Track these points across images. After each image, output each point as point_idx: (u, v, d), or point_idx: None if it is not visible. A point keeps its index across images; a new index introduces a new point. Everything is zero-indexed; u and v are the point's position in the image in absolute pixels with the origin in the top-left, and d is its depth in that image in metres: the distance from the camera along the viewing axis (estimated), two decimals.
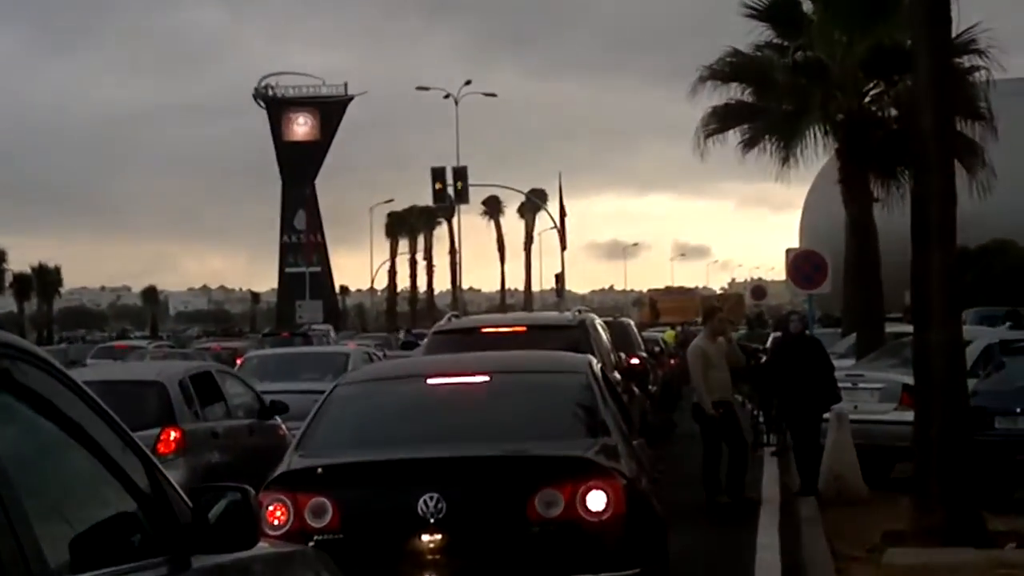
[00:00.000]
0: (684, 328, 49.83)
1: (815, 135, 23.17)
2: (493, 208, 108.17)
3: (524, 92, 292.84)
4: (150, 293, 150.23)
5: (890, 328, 22.74)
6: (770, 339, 32.16)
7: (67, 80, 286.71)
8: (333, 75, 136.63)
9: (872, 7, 22.44)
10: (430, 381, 8.16)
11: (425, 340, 15.82)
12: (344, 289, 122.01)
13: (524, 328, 13.70)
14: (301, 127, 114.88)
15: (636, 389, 16.75)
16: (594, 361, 8.71)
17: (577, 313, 14.57)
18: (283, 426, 13.84)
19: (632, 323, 24.91)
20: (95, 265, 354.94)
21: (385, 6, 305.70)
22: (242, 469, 11.52)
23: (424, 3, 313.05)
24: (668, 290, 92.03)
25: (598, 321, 15.19)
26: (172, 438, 11.44)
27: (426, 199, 67.42)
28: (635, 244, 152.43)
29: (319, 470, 6.95)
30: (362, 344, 33.88)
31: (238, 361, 23.46)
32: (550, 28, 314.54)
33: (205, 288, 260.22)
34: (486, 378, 8.13)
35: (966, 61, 22.08)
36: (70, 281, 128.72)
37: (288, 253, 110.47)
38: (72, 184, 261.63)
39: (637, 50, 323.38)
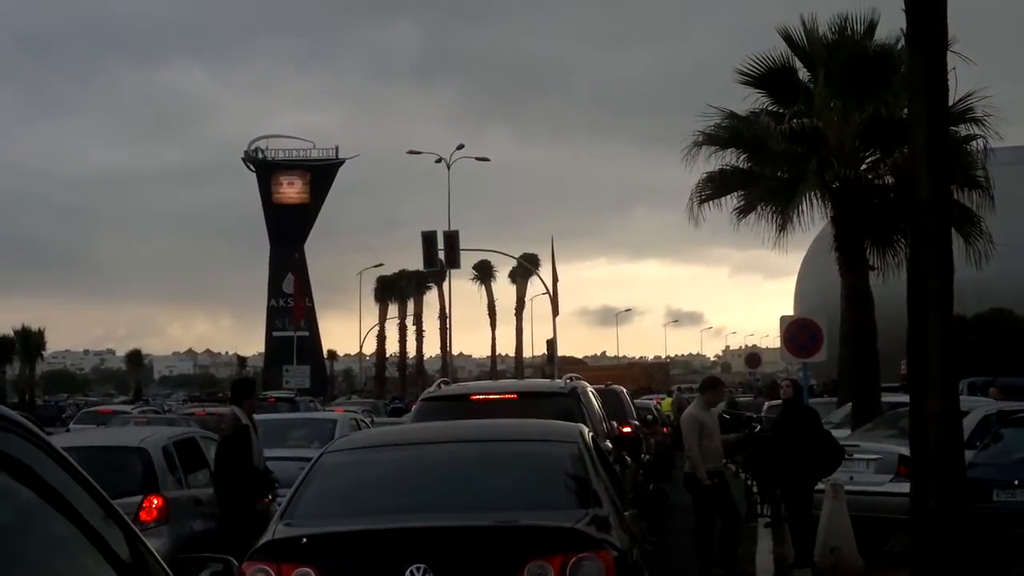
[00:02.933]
0: (680, 396, 49.74)
1: (811, 202, 23.28)
2: (484, 273, 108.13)
3: (516, 156, 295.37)
4: (134, 357, 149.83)
5: (886, 398, 22.72)
6: (764, 407, 32.20)
7: (53, 143, 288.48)
8: (322, 138, 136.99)
9: (869, 77, 22.63)
10: (419, 449, 8.13)
11: (414, 407, 15.77)
12: (332, 354, 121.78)
13: (515, 395, 13.65)
14: (291, 190, 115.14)
15: (628, 458, 16.69)
16: (585, 430, 8.69)
17: (569, 381, 14.53)
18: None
19: (624, 391, 24.85)
20: (79, 328, 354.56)
21: (373, 69, 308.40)
22: (226, 538, 11.45)
23: (413, 67, 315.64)
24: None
25: (590, 389, 15.16)
26: (155, 506, 11.37)
27: (416, 263, 67.57)
28: (627, 310, 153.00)
29: (304, 540, 6.89)
30: (349, 410, 33.72)
31: None
32: (542, 92, 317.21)
33: (191, 352, 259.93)
34: (475, 447, 8.10)
35: (963, 129, 22.26)
36: (53, 344, 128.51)
37: (276, 317, 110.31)
38: (58, 247, 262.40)
39: (630, 114, 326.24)
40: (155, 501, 11.39)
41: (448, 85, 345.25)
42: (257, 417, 24.67)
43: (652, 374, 79.56)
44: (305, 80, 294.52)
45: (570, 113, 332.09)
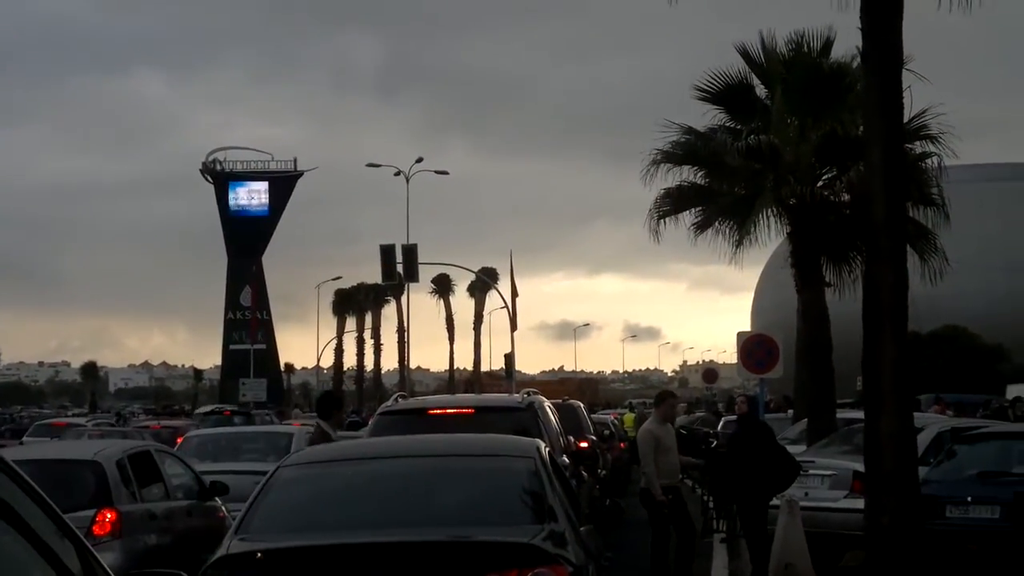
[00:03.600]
0: (641, 411, 49.91)
1: (768, 219, 23.38)
2: (443, 287, 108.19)
3: (476, 170, 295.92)
4: (90, 369, 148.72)
5: (842, 414, 22.83)
6: (721, 423, 32.32)
7: (6, 153, 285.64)
8: (281, 150, 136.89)
9: (825, 94, 22.78)
10: (376, 464, 8.10)
11: (371, 421, 15.72)
12: (289, 367, 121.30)
13: (472, 410, 13.62)
14: (249, 202, 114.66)
15: (585, 473, 16.69)
16: (542, 445, 8.68)
17: (526, 396, 14.53)
18: (223, 508, 13.68)
19: (581, 405, 24.86)
20: (33, 340, 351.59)
21: (334, 83, 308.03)
22: (180, 553, 11.36)
23: (374, 81, 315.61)
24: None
25: (547, 404, 15.15)
26: (108, 520, 11.26)
27: (375, 276, 67.37)
28: (586, 325, 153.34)
29: (259, 555, 6.85)
30: (306, 424, 33.59)
31: (178, 440, 23.19)
32: (501, 108, 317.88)
33: (147, 364, 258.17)
34: (432, 461, 8.08)
35: (918, 147, 22.43)
36: (7, 356, 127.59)
37: (233, 330, 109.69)
38: (11, 258, 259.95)
39: (587, 130, 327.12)
40: (108, 515, 11.29)
41: (409, 99, 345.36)
42: (210, 431, 24.62)
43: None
44: (265, 93, 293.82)
45: (530, 127, 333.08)
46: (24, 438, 36.23)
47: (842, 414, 22.89)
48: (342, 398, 13.65)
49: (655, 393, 18.79)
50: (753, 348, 23.35)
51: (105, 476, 11.66)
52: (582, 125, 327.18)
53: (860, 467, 12.41)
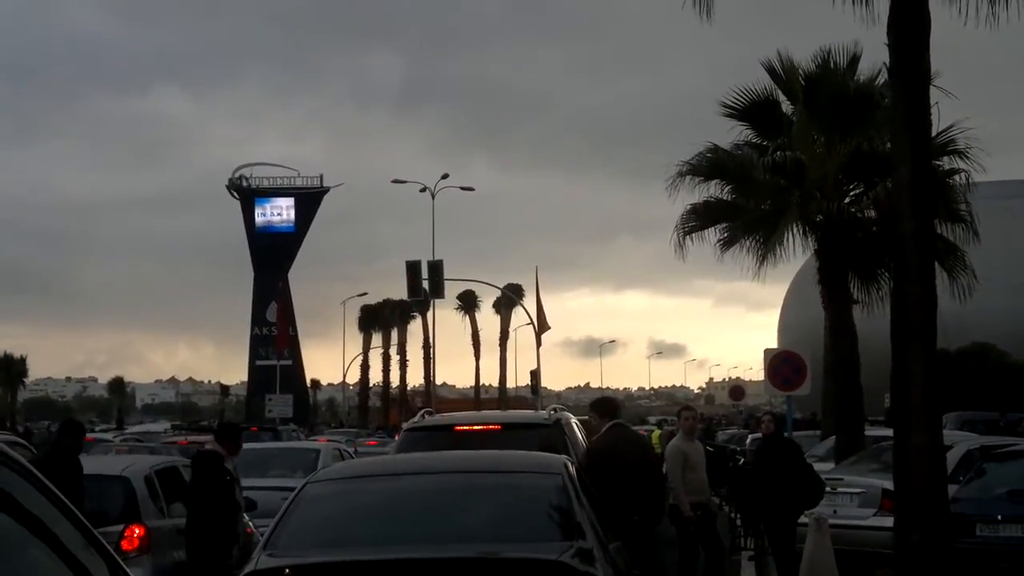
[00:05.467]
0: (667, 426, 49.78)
1: (794, 235, 23.33)
2: (468, 303, 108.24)
3: (500, 186, 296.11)
4: (117, 384, 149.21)
5: (870, 431, 22.73)
6: (748, 440, 32.21)
7: (35, 169, 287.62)
8: (306, 166, 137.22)
9: (851, 111, 22.73)
10: (403, 480, 8.10)
11: (398, 437, 15.72)
12: (315, 383, 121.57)
13: (499, 426, 13.59)
14: (275, 218, 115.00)
15: None
16: (570, 461, 8.67)
17: (553, 411, 14.51)
18: (251, 524, 13.70)
19: None
20: (61, 355, 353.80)
21: (357, 99, 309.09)
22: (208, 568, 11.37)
23: (396, 97, 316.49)
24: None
25: (574, 420, 15.12)
26: (136, 535, 11.30)
27: (400, 293, 67.42)
28: (611, 341, 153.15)
29: (287, 571, 6.85)
30: (332, 439, 33.61)
31: None
32: (523, 123, 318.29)
33: (173, 380, 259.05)
34: (459, 478, 8.07)
35: (945, 163, 22.36)
36: (35, 371, 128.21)
37: (259, 345, 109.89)
38: (40, 273, 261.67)
39: (612, 145, 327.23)
40: (137, 531, 11.33)
41: (431, 114, 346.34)
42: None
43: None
44: (289, 109, 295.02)
45: (553, 143, 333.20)
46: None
47: (870, 431, 22.79)
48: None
49: (677, 409, 18.71)
50: (780, 365, 23.23)
51: (133, 492, 11.71)
52: (604, 141, 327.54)
53: (889, 485, 12.35)
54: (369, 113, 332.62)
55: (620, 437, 11.69)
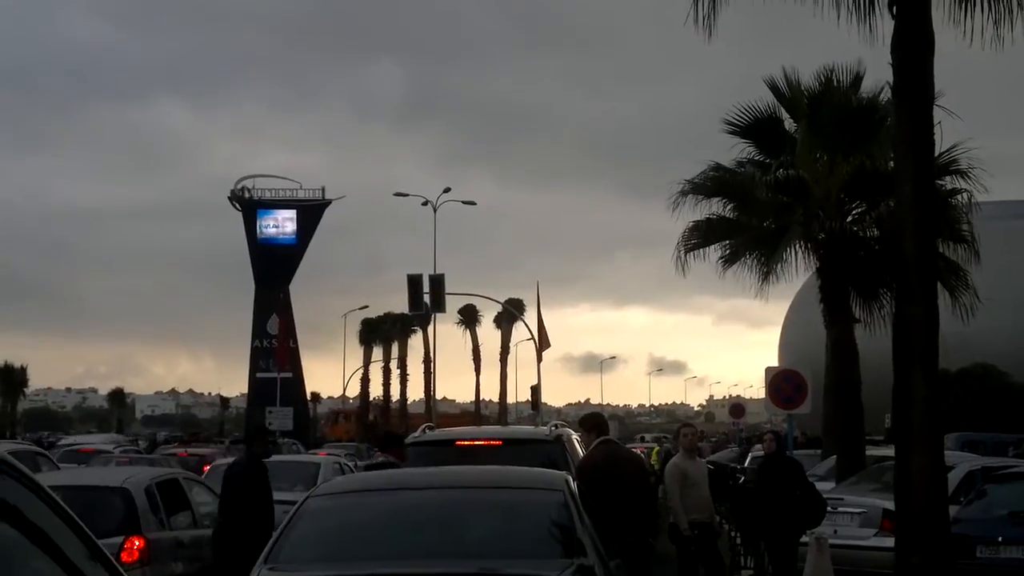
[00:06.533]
0: (666, 444, 49.75)
1: (796, 253, 23.35)
2: (469, 317, 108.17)
3: (501, 201, 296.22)
4: (117, 395, 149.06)
5: (871, 451, 22.71)
6: (749, 457, 32.17)
7: (35, 179, 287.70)
8: (308, 179, 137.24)
9: (854, 129, 22.77)
10: (404, 495, 8.10)
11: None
12: (315, 396, 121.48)
13: (499, 442, 13.59)
14: (276, 230, 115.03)
15: None
16: (571, 478, 8.67)
17: (553, 428, 14.50)
18: None
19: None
20: (61, 366, 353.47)
21: (358, 112, 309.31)
22: None
23: (397, 110, 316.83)
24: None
25: (574, 436, 15.11)
26: (136, 547, 11.29)
27: (402, 306, 67.34)
28: (612, 358, 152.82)
29: None
30: (332, 453, 33.61)
31: (205, 468, 23.23)
32: (524, 138, 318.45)
33: (173, 392, 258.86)
34: (460, 493, 8.07)
35: (948, 183, 22.37)
36: (35, 381, 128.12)
37: (259, 358, 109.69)
38: (41, 283, 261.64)
39: (613, 161, 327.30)
40: (136, 542, 11.32)
41: (433, 128, 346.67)
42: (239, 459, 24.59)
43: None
44: (291, 121, 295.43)
45: (554, 158, 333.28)
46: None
47: (871, 451, 22.77)
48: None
49: (677, 426, 18.70)
50: (781, 383, 23.21)
51: (133, 503, 11.70)
52: (606, 157, 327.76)
53: (890, 505, 12.33)
54: (371, 126, 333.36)
55: (609, 453, 11.67)
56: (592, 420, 12.50)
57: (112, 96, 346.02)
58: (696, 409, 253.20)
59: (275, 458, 28.13)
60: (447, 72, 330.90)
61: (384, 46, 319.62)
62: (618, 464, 11.52)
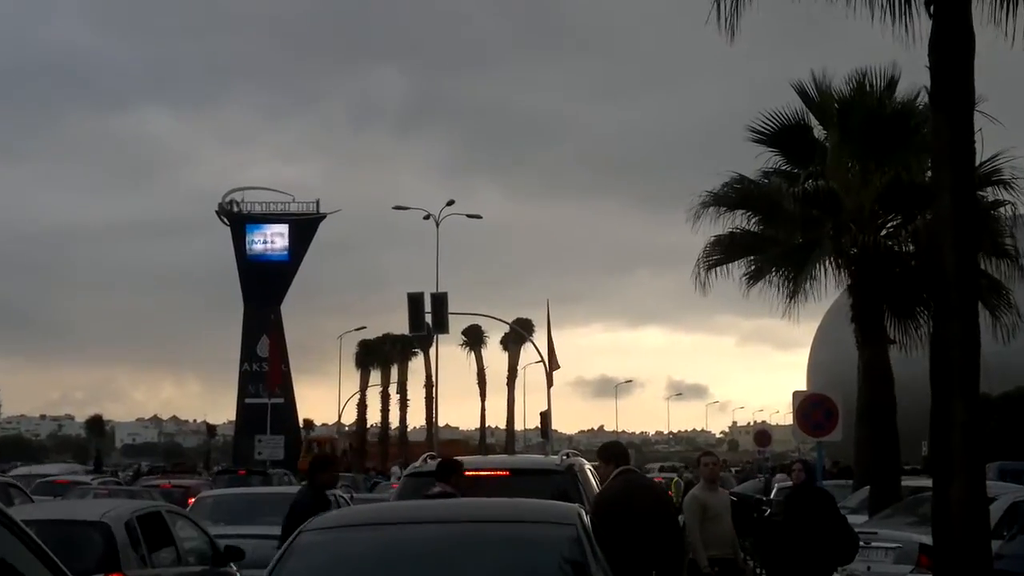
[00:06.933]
0: (686, 474, 49.72)
1: (826, 269, 23.33)
2: (474, 339, 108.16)
3: (508, 214, 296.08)
4: (95, 423, 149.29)
5: (907, 481, 22.67)
6: (775, 490, 32.12)
7: (8, 192, 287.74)
8: (301, 191, 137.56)
9: (888, 136, 22.76)
10: (403, 530, 8.09)
11: (398, 483, 15.71)
12: (308, 423, 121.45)
13: (507, 472, 13.58)
14: (268, 246, 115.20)
15: None
16: (584, 511, 8.65)
17: (565, 457, 14.49)
18: (239, 574, 13.68)
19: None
20: (36, 391, 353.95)
21: (356, 121, 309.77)
22: None
23: (398, 119, 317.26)
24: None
25: (587, 466, 15.10)
26: None
27: (401, 327, 67.45)
28: (627, 381, 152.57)
29: None
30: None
31: (190, 501, 23.22)
32: (532, 148, 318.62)
33: (156, 419, 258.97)
34: (465, 527, 8.05)
35: (990, 194, 22.35)
36: (8, 408, 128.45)
37: (249, 382, 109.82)
38: (13, 303, 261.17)
39: (628, 172, 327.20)
40: None
41: (435, 137, 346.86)
42: (224, 491, 24.61)
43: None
44: (283, 130, 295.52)
45: (565, 169, 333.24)
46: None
47: (907, 481, 22.72)
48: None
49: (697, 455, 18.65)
50: (810, 409, 23.23)
51: (113, 539, 11.68)
52: (620, 167, 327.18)
53: (927, 539, 12.30)
54: (369, 135, 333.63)
55: (630, 484, 11.62)
56: (611, 449, 12.46)
57: (91, 103, 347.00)
58: (718, 436, 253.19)
59: (265, 490, 28.17)
60: (451, 77, 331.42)
61: (383, 49, 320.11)
62: (638, 496, 11.48)
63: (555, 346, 54.91)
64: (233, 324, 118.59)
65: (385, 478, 57.67)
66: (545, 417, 56.15)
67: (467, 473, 13.35)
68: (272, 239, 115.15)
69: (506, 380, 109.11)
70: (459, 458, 13.63)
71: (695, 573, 13.92)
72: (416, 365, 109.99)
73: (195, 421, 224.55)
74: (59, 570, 3.60)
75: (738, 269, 24.15)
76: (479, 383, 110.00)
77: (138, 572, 11.72)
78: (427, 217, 64.16)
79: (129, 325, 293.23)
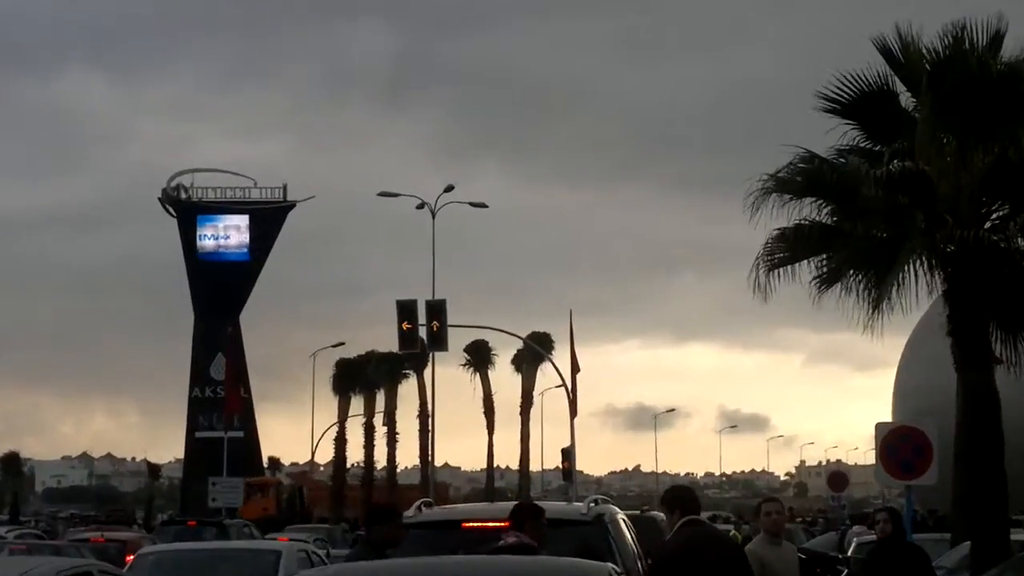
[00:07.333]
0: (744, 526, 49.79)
1: (916, 271, 23.30)
2: (480, 357, 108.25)
3: (518, 203, 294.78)
4: (10, 462, 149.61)
5: (1016, 535, 22.65)
6: (853, 544, 32.15)
7: None
8: (265, 174, 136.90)
9: (994, 104, 22.72)
10: None
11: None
12: (275, 462, 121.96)
13: None
14: (224, 242, 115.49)
15: None
16: (615, 571, 8.67)
17: (593, 504, 14.53)
18: None
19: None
20: None
21: (333, 89, 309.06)
22: None
23: (385, 86, 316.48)
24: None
25: (620, 515, 15.13)
26: None
27: (389, 343, 67.60)
28: (670, 411, 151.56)
29: None
30: (297, 539, 33.65)
31: (128, 559, 23.28)
32: (549, 122, 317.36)
33: (85, 457, 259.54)
34: None
35: None
36: None
37: (200, 412, 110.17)
38: None
39: (669, 149, 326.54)
40: None
41: (431, 109, 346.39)
42: (170, 547, 24.68)
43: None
44: (242, 100, 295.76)
45: (590, 147, 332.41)
46: None
47: (1017, 535, 22.71)
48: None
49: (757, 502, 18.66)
50: (897, 444, 23.21)
51: None
52: (658, 144, 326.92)
53: None
54: (348, 107, 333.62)
55: (696, 537, 11.65)
56: (675, 495, 12.50)
57: (4, 67, 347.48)
58: (783, 479, 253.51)
59: (221, 545, 28.21)
60: (448, 36, 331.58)
61: (367, 3, 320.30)
62: (706, 551, 11.51)
63: (579, 366, 55.06)
64: (181, 339, 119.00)
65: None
66: (568, 455, 56.27)
67: (468, 525, 13.39)
68: (228, 233, 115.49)
69: (519, 409, 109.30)
70: (474, 504, 13.68)
71: None
72: (407, 390, 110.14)
73: (134, 460, 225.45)
74: None
75: (807, 271, 24.12)
76: (486, 412, 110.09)
77: None
78: (420, 206, 64.34)
79: (52, 341, 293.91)
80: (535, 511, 12.65)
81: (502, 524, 13.58)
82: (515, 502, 13.43)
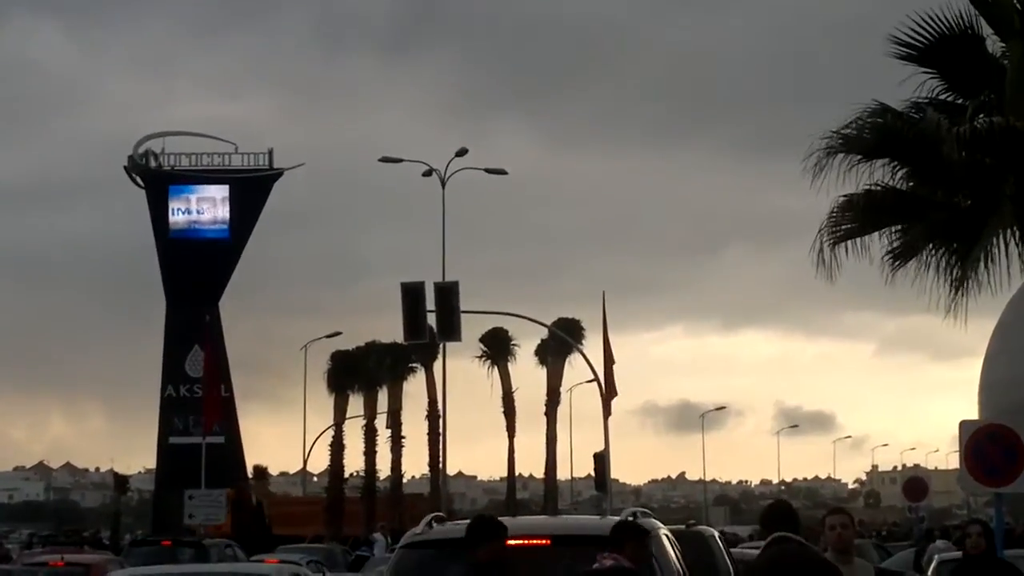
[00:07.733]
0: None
1: (1006, 244, 23.28)
2: (498, 348, 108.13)
3: (546, 168, 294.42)
4: None
5: None
6: (934, 563, 32.14)
7: None
8: (247, 138, 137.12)
9: None
10: None
11: (393, 556, 15.79)
12: (261, 472, 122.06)
13: (546, 540, 13.66)
14: (199, 216, 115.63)
15: None
16: None
17: (631, 518, 14.56)
18: None
19: (716, 534, 24.80)
20: None
21: (324, 37, 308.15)
22: None
23: (385, 34, 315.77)
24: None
25: (663, 530, 15.16)
26: None
27: (393, 332, 67.56)
28: (719, 408, 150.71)
29: None
30: (288, 560, 33.76)
31: None
32: (577, 74, 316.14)
33: (42, 467, 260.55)
34: None
35: None
36: None
37: (174, 414, 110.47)
38: None
39: (719, 106, 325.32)
40: None
41: (439, 60, 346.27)
42: (141, 571, 24.79)
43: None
44: (220, 50, 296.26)
45: (625, 104, 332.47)
46: None
47: None
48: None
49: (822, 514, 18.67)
50: (985, 445, 23.18)
51: None
52: (703, 100, 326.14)
53: None
54: (343, 59, 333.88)
55: (781, 556, 11.68)
56: (767, 511, 12.64)
57: None
58: (852, 487, 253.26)
59: (200, 568, 28.29)
60: None
61: None
62: (794, 569, 11.54)
63: (614, 357, 54.99)
64: (151, 331, 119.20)
65: (370, 549, 57.90)
66: (601, 461, 56.24)
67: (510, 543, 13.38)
68: (204, 207, 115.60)
69: (544, 408, 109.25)
70: (504, 518, 13.67)
71: None
72: (415, 387, 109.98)
73: (97, 470, 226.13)
74: None
75: (878, 244, 24.13)
76: (505, 412, 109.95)
77: None
78: (428, 173, 64.38)
79: (2, 333, 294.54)
80: (639, 531, 12.73)
81: (523, 541, 13.63)
82: (572, 514, 13.51)
